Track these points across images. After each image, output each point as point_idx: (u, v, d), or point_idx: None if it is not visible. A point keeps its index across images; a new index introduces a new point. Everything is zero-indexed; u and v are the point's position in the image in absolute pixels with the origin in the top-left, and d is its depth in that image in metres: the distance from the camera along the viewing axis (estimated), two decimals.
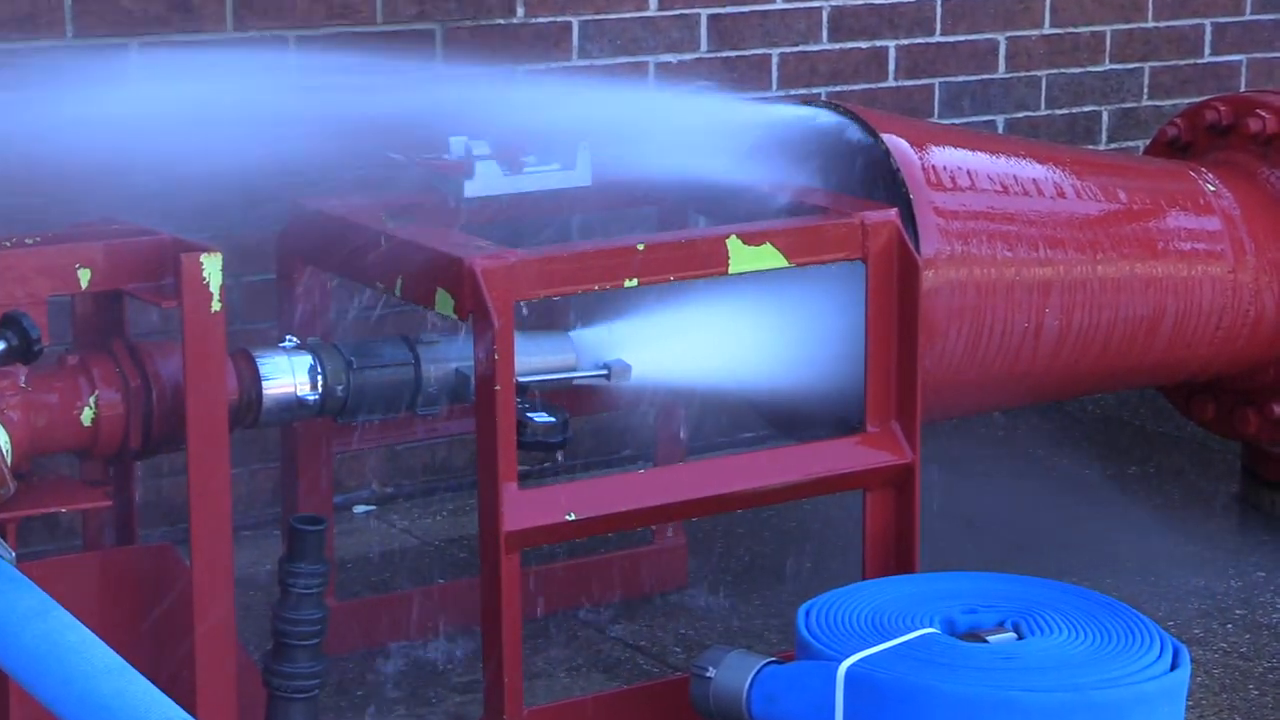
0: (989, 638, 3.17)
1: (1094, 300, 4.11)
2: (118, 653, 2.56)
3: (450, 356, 3.58)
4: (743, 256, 3.55)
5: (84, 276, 3.21)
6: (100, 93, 3.68)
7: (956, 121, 5.20)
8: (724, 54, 4.86)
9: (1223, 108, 4.54)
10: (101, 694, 2.45)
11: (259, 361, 3.42)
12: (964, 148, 4.11)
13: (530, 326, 3.65)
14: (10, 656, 2.57)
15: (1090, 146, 5.43)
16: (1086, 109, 5.44)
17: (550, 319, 3.92)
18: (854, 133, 4.00)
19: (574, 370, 3.68)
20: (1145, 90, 5.52)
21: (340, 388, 3.47)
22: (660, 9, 4.75)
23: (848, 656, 3.05)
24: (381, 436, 3.99)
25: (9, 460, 3.07)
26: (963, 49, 5.21)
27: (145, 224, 3.38)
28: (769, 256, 3.58)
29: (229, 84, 3.63)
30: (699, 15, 4.81)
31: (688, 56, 4.80)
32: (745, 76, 4.89)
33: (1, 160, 3.99)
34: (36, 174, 4.01)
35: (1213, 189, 4.37)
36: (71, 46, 4.11)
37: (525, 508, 3.37)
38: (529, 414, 3.42)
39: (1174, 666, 3.09)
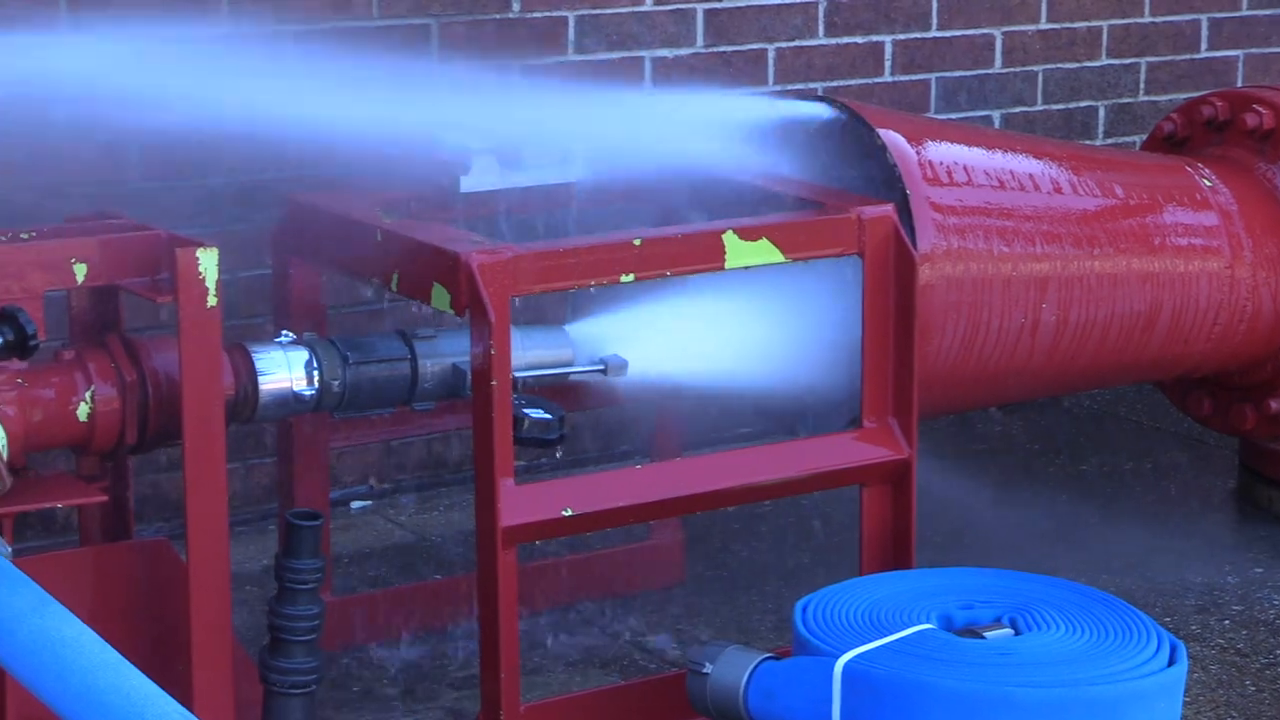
0: (986, 634, 3.17)
1: (1090, 296, 4.11)
2: (114, 648, 2.56)
3: (447, 351, 3.58)
4: (739, 251, 3.55)
5: (80, 271, 3.20)
6: (91, 85, 3.67)
7: (953, 117, 5.21)
8: (720, 49, 4.86)
9: (1219, 103, 4.54)
10: (99, 689, 2.46)
11: (255, 356, 3.42)
12: (960, 143, 4.12)
13: (526, 321, 3.66)
14: (7, 652, 2.57)
15: (1087, 142, 5.43)
16: (1083, 104, 5.44)
17: (546, 314, 3.92)
18: (850, 128, 4.00)
19: (570, 365, 3.68)
20: (1142, 86, 5.52)
21: (336, 383, 3.47)
22: (656, 4, 4.76)
23: (845, 652, 3.05)
24: (378, 432, 3.99)
25: (5, 455, 3.07)
26: (959, 44, 5.22)
27: (140, 219, 3.39)
28: (765, 252, 3.58)
29: (225, 78, 3.62)
30: (695, 10, 4.81)
31: (684, 51, 4.80)
32: (741, 71, 4.89)
33: None
34: (31, 167, 4.02)
35: (1209, 184, 4.37)
36: (66, 37, 4.10)
37: (522, 503, 3.38)
38: (525, 409, 3.42)
39: (1171, 663, 3.09)
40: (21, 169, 4.00)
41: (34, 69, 3.44)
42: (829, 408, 3.85)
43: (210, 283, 3.15)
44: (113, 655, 2.52)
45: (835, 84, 5.02)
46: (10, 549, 2.86)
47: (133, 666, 2.50)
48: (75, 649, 2.53)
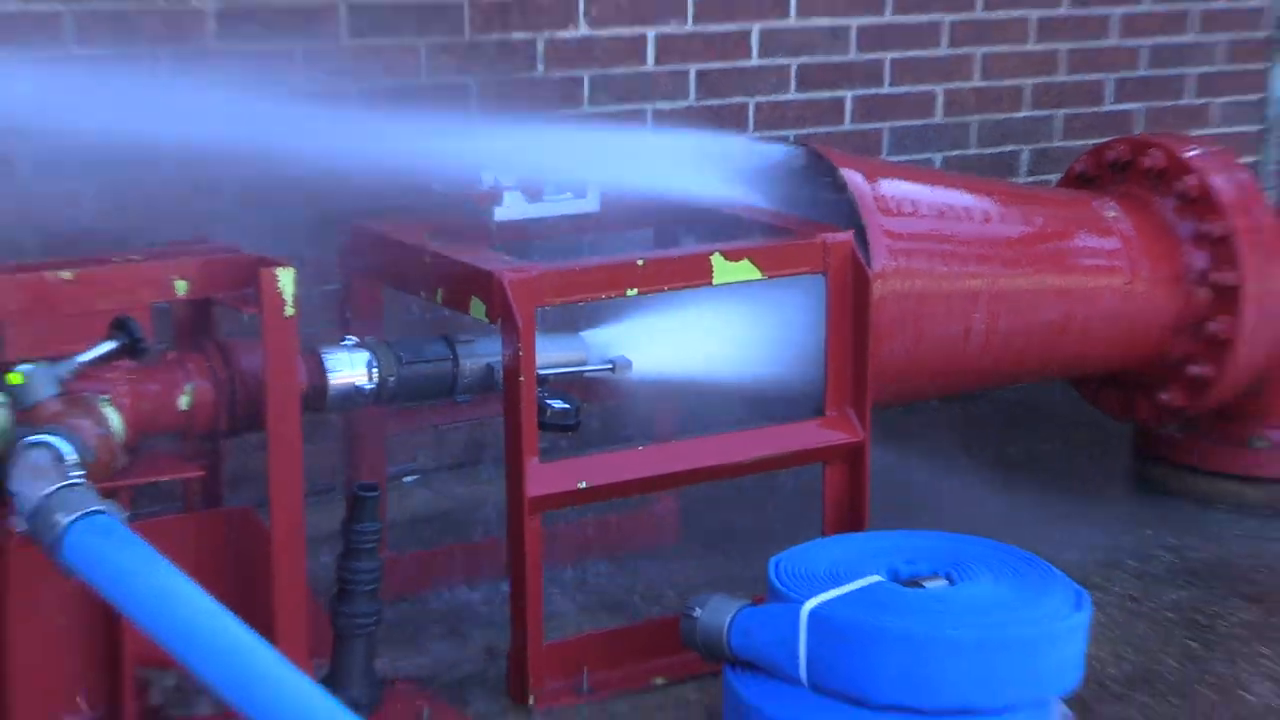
0: (926, 584, 3.19)
1: (1014, 307, 4.12)
2: (211, 596, 2.59)
3: (483, 353, 3.60)
4: (724, 270, 3.58)
5: (180, 287, 3.23)
6: (189, 134, 3.69)
7: (902, 158, 5.22)
8: (709, 102, 4.87)
9: (1122, 147, 4.55)
10: (200, 631, 2.48)
11: (325, 357, 3.44)
12: (908, 180, 4.13)
13: (548, 328, 3.68)
14: (126, 599, 2.61)
15: (1012, 180, 5.45)
16: (1009, 149, 5.45)
17: (565, 322, 3.94)
18: (817, 168, 4.02)
19: (584, 365, 3.70)
20: (1058, 133, 5.54)
21: (392, 379, 3.48)
22: (656, 65, 4.77)
23: (810, 599, 3.08)
24: (426, 419, 4.00)
25: (122, 438, 3.10)
26: (908, 99, 5.23)
27: (231, 242, 3.41)
28: (746, 270, 3.60)
29: (303, 126, 3.65)
30: (689, 70, 4.83)
31: (679, 105, 4.82)
32: (727, 121, 4.91)
33: (109, 187, 4.01)
34: (139, 200, 4.03)
35: (1113, 215, 4.39)
36: (155, 84, 4.09)
37: (545, 478, 3.40)
38: (547, 401, 3.44)
39: (1078, 608, 3.12)
40: (136, 202, 4.02)
41: (146, 123, 3.46)
42: (798, 399, 3.87)
43: (288, 296, 3.17)
44: (211, 603, 2.55)
45: (804, 131, 5.03)
46: (126, 514, 2.89)
47: (228, 611, 2.53)
48: (180, 598, 2.56)
